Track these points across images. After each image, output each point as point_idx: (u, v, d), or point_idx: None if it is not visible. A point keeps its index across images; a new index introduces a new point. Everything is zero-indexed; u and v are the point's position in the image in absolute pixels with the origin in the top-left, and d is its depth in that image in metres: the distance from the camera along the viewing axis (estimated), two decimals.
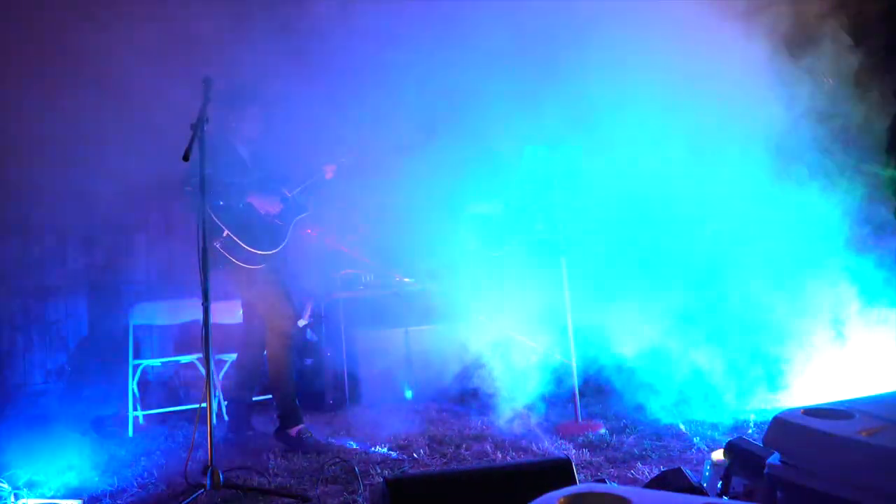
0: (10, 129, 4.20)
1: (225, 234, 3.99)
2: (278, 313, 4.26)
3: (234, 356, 4.77)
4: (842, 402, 1.93)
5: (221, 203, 3.99)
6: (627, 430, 4.17)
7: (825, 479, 1.62)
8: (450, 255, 5.00)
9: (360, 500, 3.26)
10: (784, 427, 1.78)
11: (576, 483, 2.18)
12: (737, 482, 2.73)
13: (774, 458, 1.82)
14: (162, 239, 5.87)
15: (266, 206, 4.21)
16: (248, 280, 4.21)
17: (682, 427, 4.11)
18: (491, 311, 4.87)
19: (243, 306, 4.50)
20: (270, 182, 4.31)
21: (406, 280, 5.71)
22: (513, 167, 4.96)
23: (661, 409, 4.36)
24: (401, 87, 4.72)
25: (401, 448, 4.06)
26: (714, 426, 4.10)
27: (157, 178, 4.36)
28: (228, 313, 4.83)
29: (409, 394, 5.21)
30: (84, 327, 5.60)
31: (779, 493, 1.74)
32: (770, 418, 1.95)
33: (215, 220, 3.98)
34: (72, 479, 3.73)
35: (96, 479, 3.73)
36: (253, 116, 4.31)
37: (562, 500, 1.22)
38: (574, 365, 4.43)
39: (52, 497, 3.49)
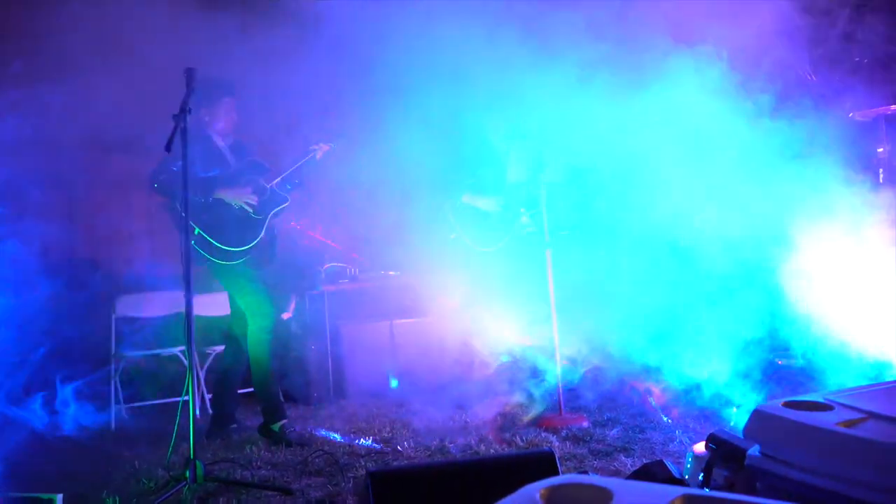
0: None
1: (196, 233, 3.95)
2: (261, 307, 4.24)
3: (218, 348, 4.74)
4: (821, 395, 1.95)
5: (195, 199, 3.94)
6: (611, 423, 4.19)
7: (804, 471, 1.64)
8: (436, 247, 4.98)
9: (344, 492, 3.25)
10: (764, 419, 1.79)
11: (559, 475, 2.19)
12: (718, 474, 2.75)
13: (755, 450, 1.83)
14: (145, 230, 5.82)
15: (236, 198, 4.15)
16: (228, 275, 4.19)
17: (665, 420, 4.14)
18: (476, 305, 4.86)
19: (229, 299, 4.47)
20: (247, 174, 4.26)
21: (391, 273, 5.70)
22: (503, 159, 4.96)
23: (643, 402, 4.38)
24: (390, 74, 4.70)
25: (385, 441, 4.06)
26: (696, 419, 4.13)
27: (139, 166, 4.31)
28: (213, 305, 4.81)
29: (394, 383, 5.20)
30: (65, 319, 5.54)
31: (759, 485, 1.76)
32: (751, 410, 1.97)
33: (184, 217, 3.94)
34: (52, 472, 3.70)
35: (77, 472, 3.70)
36: (226, 109, 4.27)
37: (543, 491, 1.22)
38: (558, 358, 4.44)
39: (32, 491, 3.45)
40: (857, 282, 3.92)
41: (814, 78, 4.93)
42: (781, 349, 4.92)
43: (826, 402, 1.82)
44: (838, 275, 3.93)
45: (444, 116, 4.69)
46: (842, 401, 1.82)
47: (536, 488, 1.22)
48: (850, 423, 1.65)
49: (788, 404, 1.82)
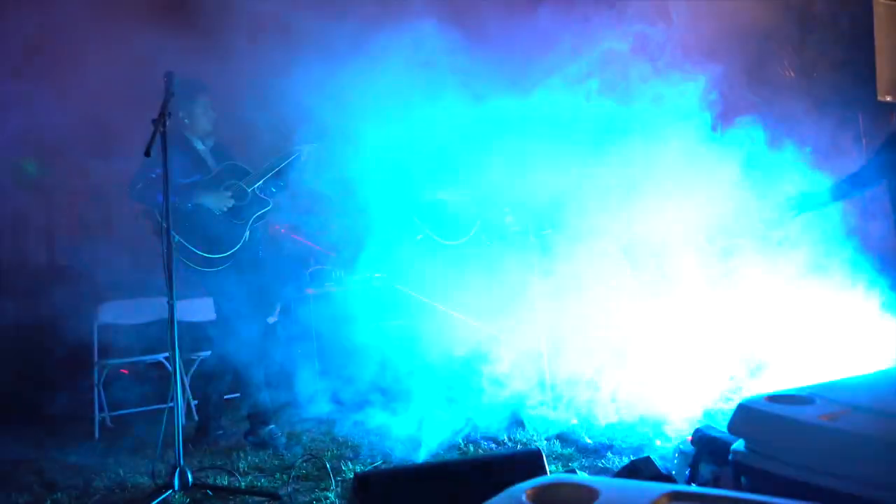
0: None
1: (175, 241, 3.90)
2: (246, 312, 4.21)
3: (204, 354, 4.71)
4: (803, 388, 1.97)
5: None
6: (598, 420, 4.20)
7: (788, 464, 1.65)
8: (414, 247, 4.98)
9: (332, 496, 3.24)
10: (748, 413, 1.81)
11: (546, 474, 2.20)
12: (704, 469, 2.77)
13: (739, 445, 1.84)
14: (127, 236, 5.76)
15: (216, 202, 4.12)
16: (212, 281, 4.16)
17: (651, 417, 4.16)
18: (459, 303, 4.86)
19: (214, 304, 4.44)
20: (227, 178, 4.23)
21: (377, 275, 5.68)
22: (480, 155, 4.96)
23: (631, 399, 4.40)
24: (365, 74, 4.68)
25: (373, 445, 4.05)
26: (683, 415, 4.15)
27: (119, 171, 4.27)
28: (198, 311, 4.77)
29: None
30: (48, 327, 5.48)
31: (743, 479, 1.77)
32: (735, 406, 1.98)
33: (163, 225, 3.91)
34: (36, 482, 3.66)
35: (61, 482, 3.66)
36: (203, 108, 4.23)
37: (529, 491, 1.22)
38: (545, 356, 4.44)
39: (16, 502, 3.41)
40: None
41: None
42: None
43: (808, 395, 1.84)
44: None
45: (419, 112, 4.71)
46: (824, 394, 1.84)
47: (523, 488, 1.22)
48: (831, 416, 1.67)
49: (772, 398, 1.84)
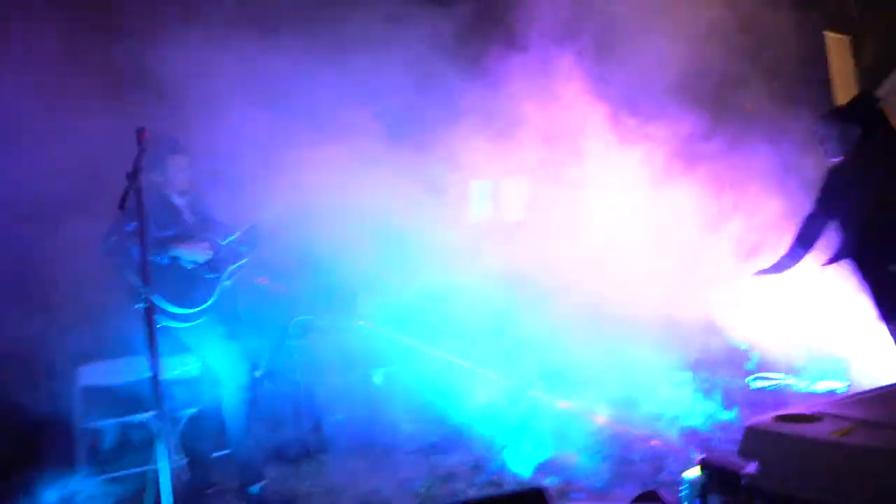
0: None
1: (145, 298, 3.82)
2: (232, 366, 4.13)
3: (192, 411, 4.58)
4: (806, 407, 1.95)
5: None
6: (599, 457, 4.13)
7: (803, 485, 1.62)
8: (399, 292, 4.96)
9: None
10: (757, 435, 1.78)
11: None
12: (713, 500, 2.72)
13: (751, 468, 1.81)
14: (103, 295, 5.65)
15: (194, 253, 4.06)
16: (189, 337, 4.07)
17: (655, 445, 4.12)
18: (449, 346, 4.82)
19: (200, 360, 4.35)
20: (203, 231, 4.18)
21: (361, 322, 5.61)
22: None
23: (629, 433, 4.35)
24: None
25: (371, 493, 3.95)
26: (686, 442, 4.12)
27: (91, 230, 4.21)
28: (182, 367, 4.66)
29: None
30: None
31: (758, 502, 1.73)
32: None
33: (135, 282, 3.84)
34: None
35: None
36: (175, 167, 4.19)
37: None
38: (539, 394, 4.39)
39: None
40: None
41: None
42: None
43: (816, 412, 1.82)
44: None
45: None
46: (831, 410, 1.82)
47: None
48: (843, 432, 1.65)
49: (779, 418, 1.81)
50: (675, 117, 4.86)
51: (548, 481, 3.79)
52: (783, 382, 4.80)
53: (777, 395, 4.61)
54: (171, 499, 3.15)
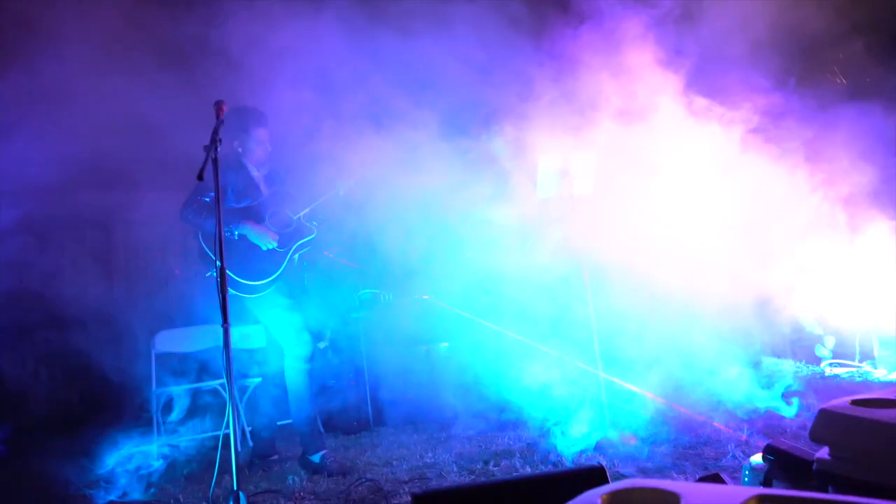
0: None
1: (217, 266, 3.93)
2: (296, 337, 4.22)
3: (257, 381, 4.73)
4: (887, 392, 1.85)
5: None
6: (659, 439, 4.06)
7: (880, 471, 1.54)
8: (463, 269, 4.95)
9: None
10: (832, 419, 1.69)
11: (621, 480, 2.09)
12: (777, 486, 2.62)
13: (823, 453, 1.73)
14: (182, 265, 5.88)
15: (260, 237, 4.14)
16: (261, 307, 4.18)
17: (718, 427, 4.01)
18: (511, 324, 4.79)
19: (265, 330, 4.47)
20: (274, 205, 4.28)
21: (425, 297, 5.65)
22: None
23: (693, 417, 4.25)
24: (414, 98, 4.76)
25: (427, 467, 3.98)
26: (749, 429, 3.99)
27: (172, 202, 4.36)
28: (251, 338, 4.80)
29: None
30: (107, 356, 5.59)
31: (830, 489, 1.66)
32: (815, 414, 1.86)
33: (207, 251, 3.97)
34: None
35: None
36: (257, 140, 4.29)
37: (605, 496, 1.15)
38: (601, 375, 4.33)
39: None
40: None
41: None
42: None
43: (893, 398, 1.72)
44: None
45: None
46: None
47: (597, 493, 1.15)
48: None
49: (855, 403, 1.72)
50: (755, 84, 4.64)
51: (606, 461, 3.74)
52: (859, 370, 4.59)
53: (852, 383, 4.41)
54: (237, 464, 3.24)
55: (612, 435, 4.15)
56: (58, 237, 5.85)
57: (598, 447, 4.01)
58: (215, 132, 3.41)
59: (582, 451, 3.96)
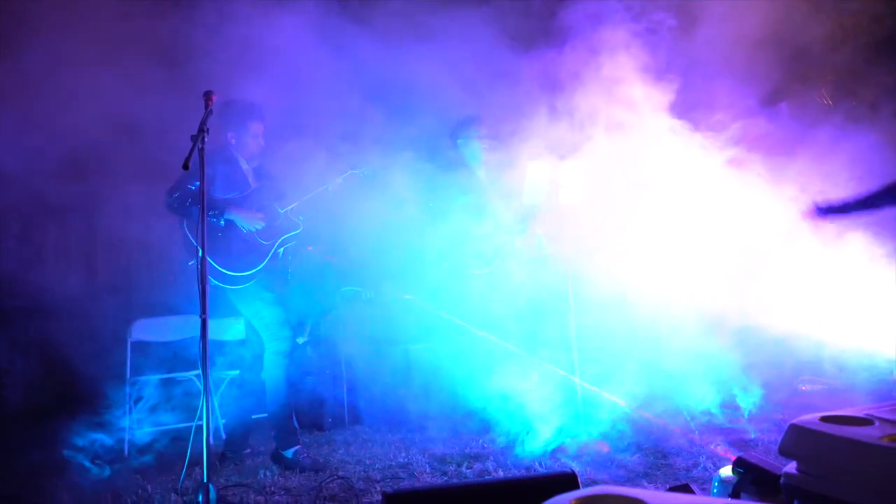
0: None
1: (201, 256, 3.91)
2: (275, 331, 4.20)
3: (234, 373, 4.70)
4: (857, 409, 1.87)
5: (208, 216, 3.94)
6: (631, 448, 4.08)
7: (846, 487, 1.56)
8: (442, 272, 4.95)
9: None
10: (801, 434, 1.72)
11: (591, 487, 2.11)
12: (746, 499, 2.65)
13: (791, 468, 1.75)
14: (161, 255, 5.82)
15: (248, 221, 4.14)
16: (238, 299, 4.16)
17: (690, 439, 4.04)
18: (489, 328, 4.80)
19: (245, 323, 4.45)
20: (263, 197, 4.26)
21: (407, 297, 5.64)
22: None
23: (665, 427, 4.29)
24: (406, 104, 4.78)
25: (401, 467, 3.97)
26: (722, 440, 4.03)
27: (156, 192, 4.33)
28: (229, 330, 4.77)
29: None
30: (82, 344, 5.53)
31: (796, 502, 1.68)
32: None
33: (191, 239, 3.95)
34: (65, 497, 3.65)
35: (90, 497, 3.64)
36: (252, 133, 4.28)
37: (575, 501, 1.16)
38: (578, 382, 4.35)
39: None
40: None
41: None
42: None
43: (866, 416, 1.75)
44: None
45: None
46: (882, 415, 1.75)
47: (568, 498, 1.16)
48: (893, 438, 1.58)
49: (826, 419, 1.75)
50: (742, 94, 4.70)
51: (578, 467, 3.76)
52: (832, 386, 4.65)
53: (825, 398, 4.47)
54: (208, 456, 3.22)
55: (586, 442, 4.17)
56: (39, 226, 5.79)
57: (571, 454, 4.02)
58: (203, 122, 3.40)
59: (555, 457, 3.98)
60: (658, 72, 4.38)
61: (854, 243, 4.13)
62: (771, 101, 5.14)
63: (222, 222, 4.06)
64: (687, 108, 4.53)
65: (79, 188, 5.49)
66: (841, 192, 4.04)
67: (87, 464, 4.05)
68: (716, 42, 4.72)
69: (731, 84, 4.78)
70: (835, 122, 5.00)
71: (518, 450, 4.15)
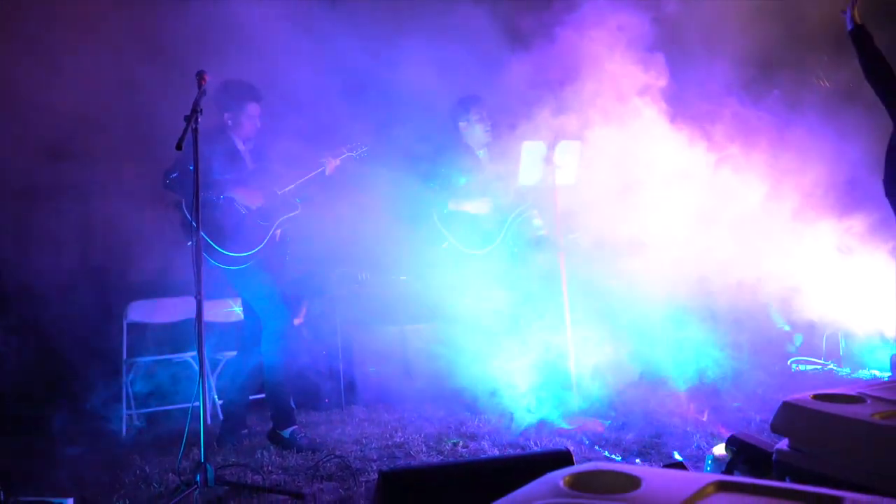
0: None
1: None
2: (272, 312, 4.20)
3: (230, 354, 4.71)
4: (850, 388, 1.89)
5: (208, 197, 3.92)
6: (626, 426, 4.11)
7: (837, 465, 1.57)
8: (440, 253, 4.96)
9: (356, 496, 3.20)
10: (794, 412, 1.73)
11: (584, 463, 2.13)
12: (738, 477, 2.68)
13: (783, 444, 1.77)
14: (157, 236, 5.81)
15: (248, 199, 4.13)
16: (235, 280, 4.16)
17: (685, 419, 4.07)
18: (485, 308, 4.81)
19: (242, 304, 4.45)
20: (261, 178, 4.24)
21: (402, 278, 5.65)
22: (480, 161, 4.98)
23: (659, 406, 4.32)
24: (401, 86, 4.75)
25: (397, 447, 4.00)
26: (714, 423, 4.06)
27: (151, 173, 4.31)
28: (225, 311, 4.78)
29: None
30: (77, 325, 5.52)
31: (788, 480, 1.69)
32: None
33: (190, 220, 3.93)
34: (63, 476, 3.67)
35: (88, 477, 3.66)
36: (249, 114, 4.25)
37: (567, 478, 1.16)
38: (572, 361, 4.37)
39: (44, 496, 3.41)
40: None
41: None
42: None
43: (858, 394, 1.76)
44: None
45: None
46: (874, 393, 1.76)
47: (560, 475, 1.17)
48: (884, 415, 1.59)
49: (818, 397, 1.76)
50: (730, 84, 4.70)
51: (573, 446, 3.79)
52: (824, 367, 4.69)
53: (817, 379, 4.51)
54: (205, 436, 3.24)
55: (581, 421, 4.20)
56: (35, 208, 5.75)
57: (566, 433, 4.05)
58: (196, 102, 3.38)
59: (550, 436, 4.01)
60: (650, 52, 4.38)
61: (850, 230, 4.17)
62: (764, 74, 5.12)
63: (221, 198, 4.04)
64: (679, 90, 4.52)
65: (71, 167, 5.47)
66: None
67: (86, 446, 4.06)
68: (708, 21, 4.70)
69: (724, 67, 4.76)
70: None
71: (513, 429, 4.17)
